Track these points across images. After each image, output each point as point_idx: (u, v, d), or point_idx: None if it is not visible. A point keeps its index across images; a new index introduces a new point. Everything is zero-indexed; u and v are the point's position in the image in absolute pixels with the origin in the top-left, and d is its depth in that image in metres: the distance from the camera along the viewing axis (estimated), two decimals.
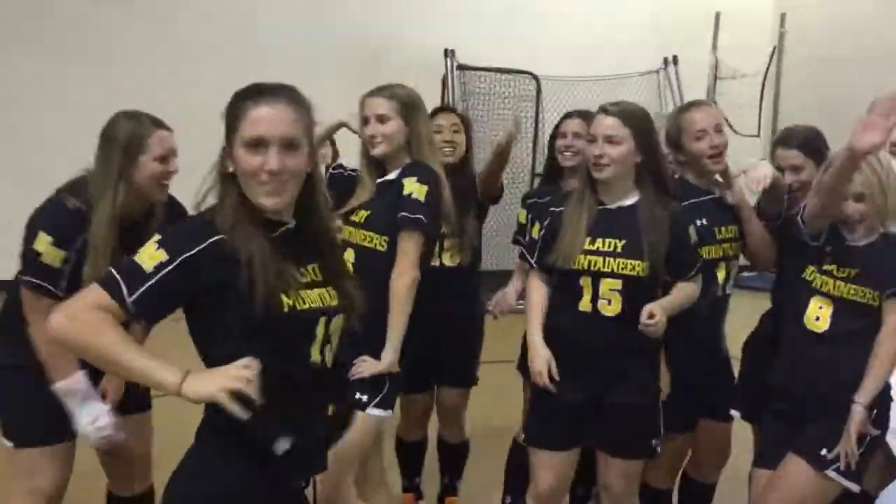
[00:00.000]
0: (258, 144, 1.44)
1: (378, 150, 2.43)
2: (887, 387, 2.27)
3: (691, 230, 2.29)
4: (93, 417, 2.10)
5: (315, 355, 1.52)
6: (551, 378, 2.22)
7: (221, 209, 1.46)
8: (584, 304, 2.23)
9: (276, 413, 1.39)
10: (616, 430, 2.25)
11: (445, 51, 7.05)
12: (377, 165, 2.48)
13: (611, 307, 2.20)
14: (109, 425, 2.12)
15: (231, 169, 1.48)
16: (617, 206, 2.26)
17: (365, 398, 2.28)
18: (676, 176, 2.56)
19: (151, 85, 5.86)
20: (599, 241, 2.22)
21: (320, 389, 1.56)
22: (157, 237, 1.42)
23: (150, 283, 1.36)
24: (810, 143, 2.59)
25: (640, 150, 2.23)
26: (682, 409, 2.49)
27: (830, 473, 2.16)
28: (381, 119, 2.44)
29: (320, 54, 6.75)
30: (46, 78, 6.12)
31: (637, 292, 2.19)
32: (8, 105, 6.11)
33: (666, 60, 7.47)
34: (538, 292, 2.32)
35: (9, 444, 2.15)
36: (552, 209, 2.35)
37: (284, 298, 1.43)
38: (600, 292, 2.20)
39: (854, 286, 2.21)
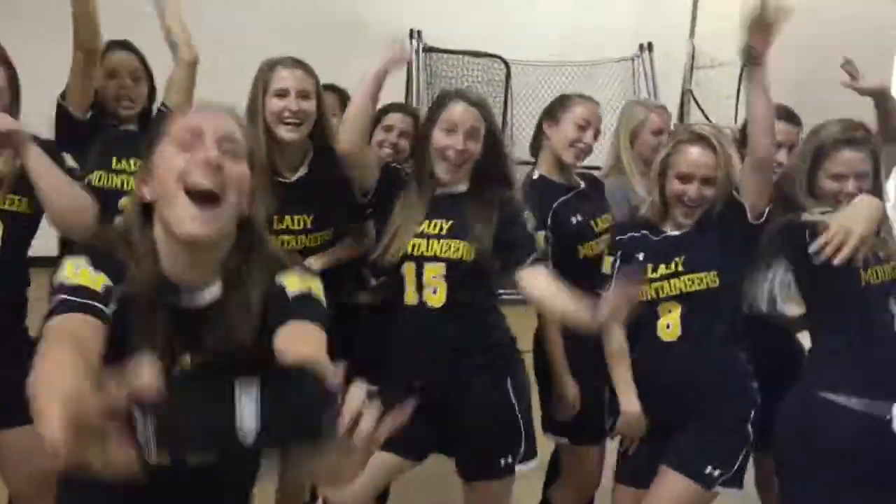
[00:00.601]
0: (191, 139, 1.23)
1: (300, 133, 2.24)
2: (754, 395, 2.21)
3: (528, 215, 2.16)
4: None
5: None
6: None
7: (135, 261, 1.22)
8: (410, 296, 2.09)
9: None
10: (462, 446, 2.11)
11: (411, 31, 6.93)
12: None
13: (436, 296, 2.06)
14: None
15: (148, 197, 1.25)
16: (447, 193, 2.14)
17: None
18: (536, 176, 2.55)
19: None
20: (425, 223, 2.10)
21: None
22: (83, 258, 1.19)
23: (111, 306, 1.16)
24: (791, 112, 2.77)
25: (485, 146, 2.13)
26: (591, 420, 2.43)
27: (717, 489, 2.14)
28: (306, 95, 2.26)
29: (281, 36, 6.58)
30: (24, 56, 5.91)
31: (462, 279, 2.05)
32: None
33: (641, 47, 7.43)
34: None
35: None
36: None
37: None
38: (424, 280, 2.06)
39: (688, 276, 2.15)
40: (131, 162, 2.45)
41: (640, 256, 2.22)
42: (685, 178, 2.16)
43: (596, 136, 2.51)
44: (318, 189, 2.31)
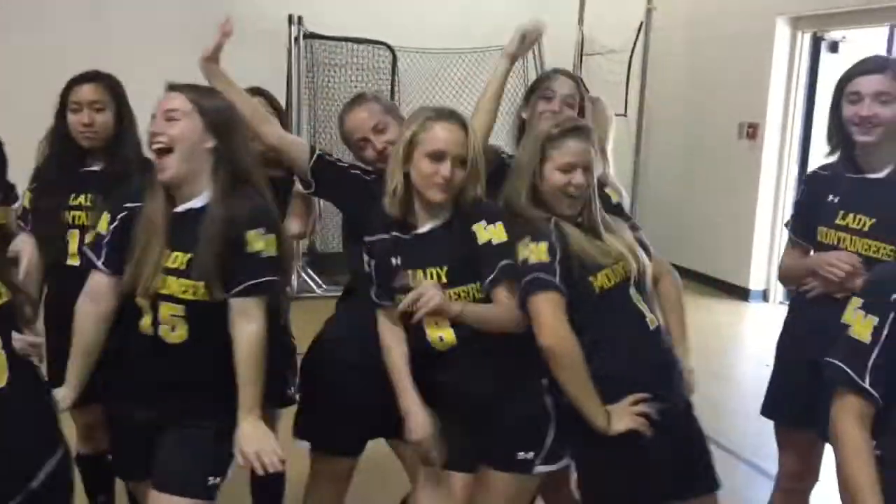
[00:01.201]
0: None
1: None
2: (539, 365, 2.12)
3: (254, 236, 1.95)
4: None
5: None
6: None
7: None
8: (145, 325, 1.98)
9: None
10: (165, 459, 2.01)
11: (290, 17, 6.80)
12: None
13: (174, 334, 1.95)
14: None
15: None
16: (186, 208, 1.97)
17: None
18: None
19: None
20: (165, 255, 1.94)
21: None
22: None
23: None
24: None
25: (212, 133, 1.96)
26: (345, 428, 2.39)
27: (539, 469, 2.11)
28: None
29: (153, 25, 6.43)
30: None
31: (206, 316, 1.94)
32: None
33: None
34: (87, 309, 2.04)
35: None
36: (126, 205, 2.04)
37: None
38: (160, 317, 1.94)
39: (454, 290, 2.04)
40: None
41: (398, 260, 2.10)
42: (438, 157, 2.03)
43: (381, 129, 2.35)
44: None
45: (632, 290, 2.09)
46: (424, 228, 2.10)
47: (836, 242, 2.33)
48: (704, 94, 7.29)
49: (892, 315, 1.65)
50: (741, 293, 7.00)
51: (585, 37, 7.66)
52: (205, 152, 1.96)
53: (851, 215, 2.31)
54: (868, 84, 2.26)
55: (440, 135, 2.04)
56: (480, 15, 7.32)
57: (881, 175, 2.30)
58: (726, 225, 7.12)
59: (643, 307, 2.10)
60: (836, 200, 2.35)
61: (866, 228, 2.27)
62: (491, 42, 7.34)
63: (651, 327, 2.10)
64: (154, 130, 1.94)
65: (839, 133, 2.37)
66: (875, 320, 1.66)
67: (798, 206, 2.56)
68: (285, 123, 2.79)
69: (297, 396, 2.55)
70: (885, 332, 1.64)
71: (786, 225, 2.62)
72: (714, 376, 4.71)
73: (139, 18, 6.48)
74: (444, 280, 2.04)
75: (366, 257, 2.17)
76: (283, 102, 6.50)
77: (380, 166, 2.32)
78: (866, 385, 1.64)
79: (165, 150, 1.93)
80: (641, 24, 7.43)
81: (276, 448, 1.94)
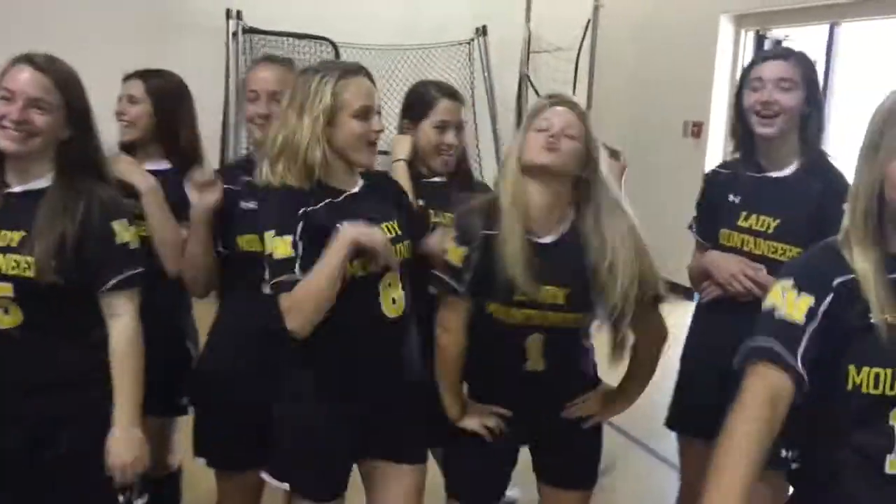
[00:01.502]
0: None
1: None
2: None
3: (120, 227, 1.87)
4: None
5: None
6: None
7: None
8: None
9: None
10: (57, 486, 1.87)
11: (228, 11, 6.68)
12: None
13: (8, 317, 1.82)
14: None
15: None
16: (24, 189, 1.86)
17: None
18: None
19: None
20: None
21: None
22: None
23: None
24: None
25: (71, 126, 1.86)
26: (241, 447, 2.27)
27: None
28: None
29: (93, 16, 6.30)
30: None
31: (42, 299, 1.81)
32: None
33: (477, 31, 7.52)
34: None
35: None
36: None
37: None
38: None
39: (401, 244, 2.00)
40: None
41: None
42: (366, 114, 1.94)
43: (277, 100, 2.14)
44: None
45: (535, 335, 1.98)
46: (354, 189, 1.98)
47: (739, 245, 2.27)
48: (650, 93, 7.35)
49: (829, 298, 1.42)
50: (685, 292, 7.05)
51: (532, 34, 7.66)
52: (57, 140, 1.86)
53: (754, 216, 2.24)
54: (770, 70, 2.22)
55: (361, 91, 1.94)
56: (425, 10, 7.28)
57: (785, 173, 2.25)
58: (671, 223, 7.15)
59: (536, 352, 1.99)
60: (737, 201, 2.28)
61: (770, 230, 2.21)
62: (436, 39, 7.33)
63: (528, 369, 2.01)
64: (18, 118, 1.78)
65: (741, 125, 2.30)
66: (811, 300, 1.42)
67: (700, 207, 2.48)
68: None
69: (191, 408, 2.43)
70: (819, 316, 1.42)
71: (689, 227, 2.52)
72: (655, 379, 4.69)
73: (77, 15, 6.32)
74: (399, 233, 2.00)
75: (291, 237, 1.85)
76: (220, 99, 6.46)
77: (259, 122, 2.22)
78: (795, 362, 1.39)
79: (30, 136, 1.81)
80: (589, 21, 7.46)
81: (141, 459, 1.87)
